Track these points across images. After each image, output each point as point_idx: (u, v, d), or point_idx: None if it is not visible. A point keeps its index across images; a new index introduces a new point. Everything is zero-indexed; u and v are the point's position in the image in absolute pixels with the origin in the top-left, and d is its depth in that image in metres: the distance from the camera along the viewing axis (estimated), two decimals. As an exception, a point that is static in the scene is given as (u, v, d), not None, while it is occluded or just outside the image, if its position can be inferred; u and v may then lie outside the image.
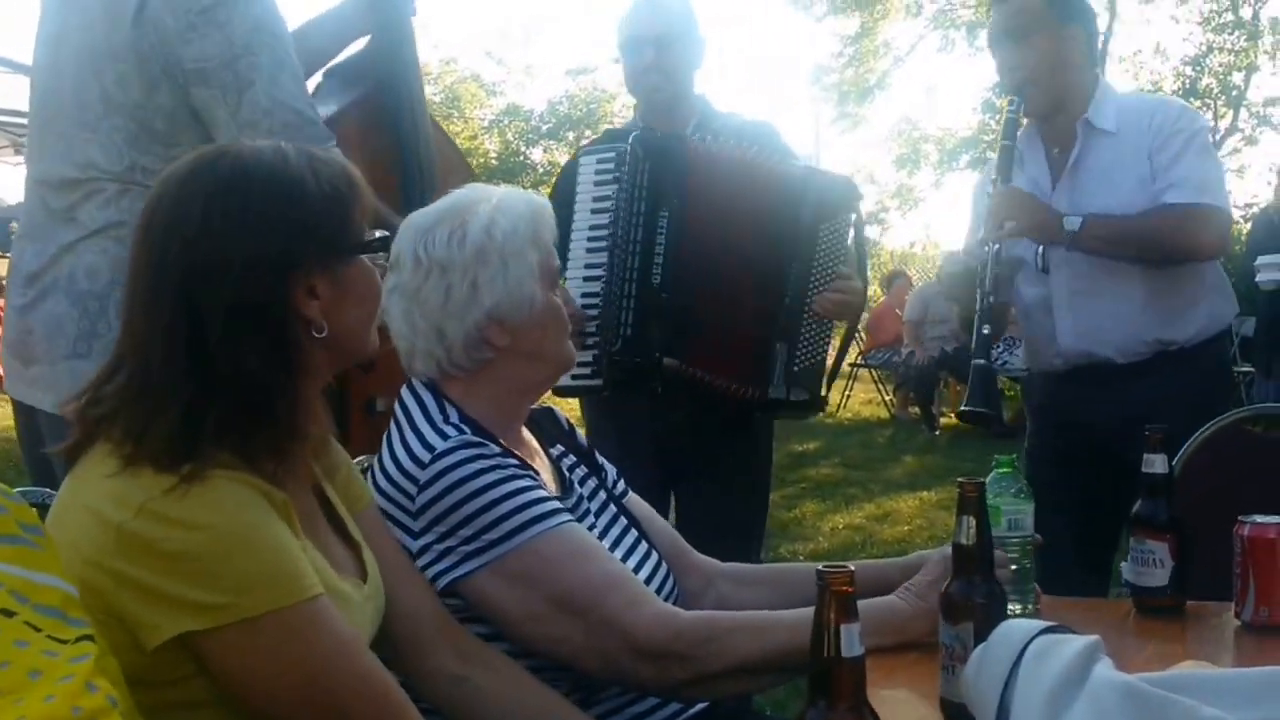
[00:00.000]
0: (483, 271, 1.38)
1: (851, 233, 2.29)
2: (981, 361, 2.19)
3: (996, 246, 2.21)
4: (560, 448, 1.59)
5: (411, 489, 1.34)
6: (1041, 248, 2.26)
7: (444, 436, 1.36)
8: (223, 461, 1.05)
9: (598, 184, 2.28)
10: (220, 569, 1.01)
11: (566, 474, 1.53)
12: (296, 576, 1.05)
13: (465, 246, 1.38)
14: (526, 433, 1.53)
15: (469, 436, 1.36)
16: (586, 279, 2.26)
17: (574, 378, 2.27)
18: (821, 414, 2.69)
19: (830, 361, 2.36)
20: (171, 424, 1.05)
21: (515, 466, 1.36)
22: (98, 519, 1.03)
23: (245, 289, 1.08)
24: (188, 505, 1.02)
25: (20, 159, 10.53)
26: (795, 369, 2.24)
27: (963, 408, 2.23)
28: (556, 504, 1.38)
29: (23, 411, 1.84)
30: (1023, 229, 2.22)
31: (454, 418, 1.40)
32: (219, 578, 1.01)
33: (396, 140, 2.07)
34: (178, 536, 1.01)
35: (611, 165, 2.26)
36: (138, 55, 1.71)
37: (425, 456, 1.34)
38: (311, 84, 2.18)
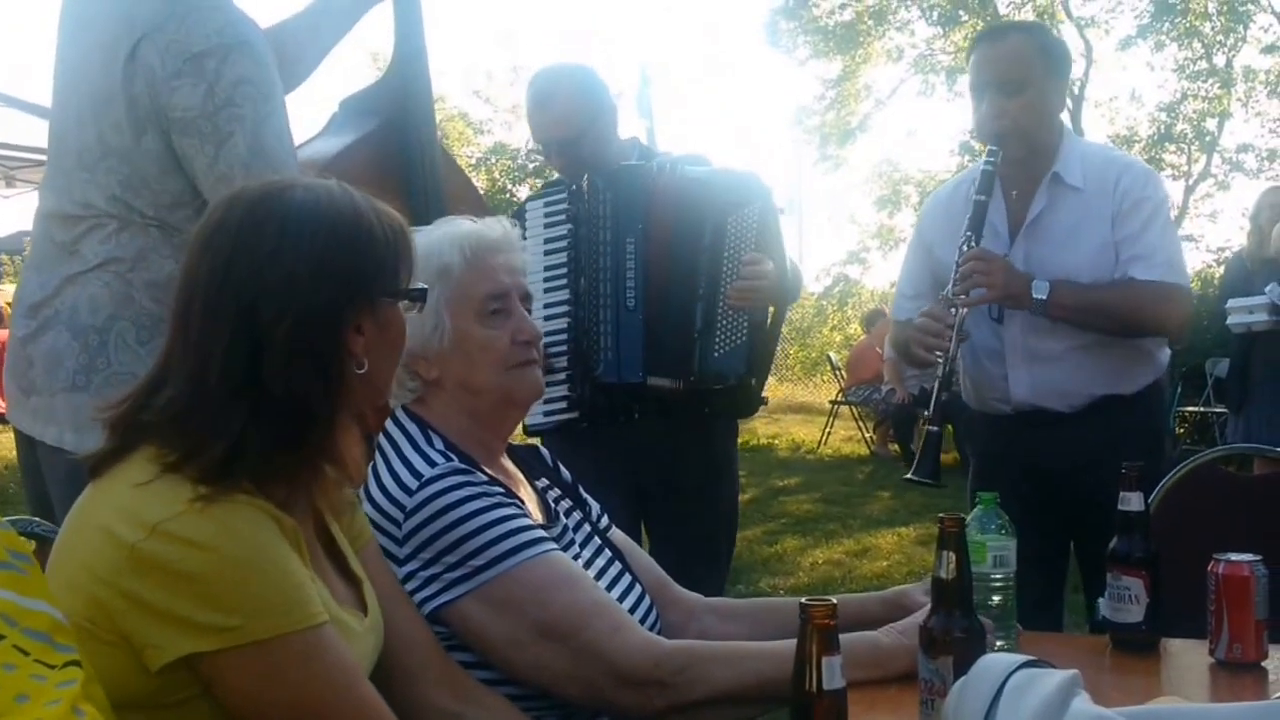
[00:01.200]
0: None
1: (766, 221, 2.35)
2: (936, 429, 2.20)
3: (964, 312, 2.18)
4: (545, 481, 1.60)
5: (399, 515, 1.35)
6: None
7: (431, 464, 1.37)
8: (240, 486, 1.06)
9: (548, 225, 2.37)
10: (231, 591, 1.02)
11: (552, 505, 1.55)
12: (305, 602, 1.06)
13: None
14: (510, 465, 1.54)
15: (457, 464, 1.38)
16: (549, 317, 2.32)
17: (547, 414, 2.32)
18: (802, 450, 2.72)
19: (769, 349, 2.43)
20: (228, 443, 1.06)
21: (501, 494, 1.38)
22: (111, 538, 1.03)
23: (308, 317, 1.10)
24: (202, 526, 1.03)
25: (12, 191, 10.52)
26: (715, 354, 2.31)
27: (909, 477, 2.24)
28: (541, 532, 1.39)
29: (24, 440, 1.83)
30: (993, 297, 2.20)
31: (439, 445, 1.41)
32: (229, 600, 1.02)
33: (406, 174, 2.08)
34: (191, 557, 1.02)
35: (563, 204, 2.35)
36: (128, 99, 1.71)
37: (413, 483, 1.35)
38: (323, 112, 2.19)
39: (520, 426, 2.39)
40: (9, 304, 11.00)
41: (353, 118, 2.16)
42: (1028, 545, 2.19)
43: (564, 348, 2.31)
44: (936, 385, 2.18)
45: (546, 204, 2.37)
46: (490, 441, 1.50)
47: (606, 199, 2.32)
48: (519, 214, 2.43)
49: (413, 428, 1.43)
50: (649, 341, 2.29)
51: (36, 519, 1.29)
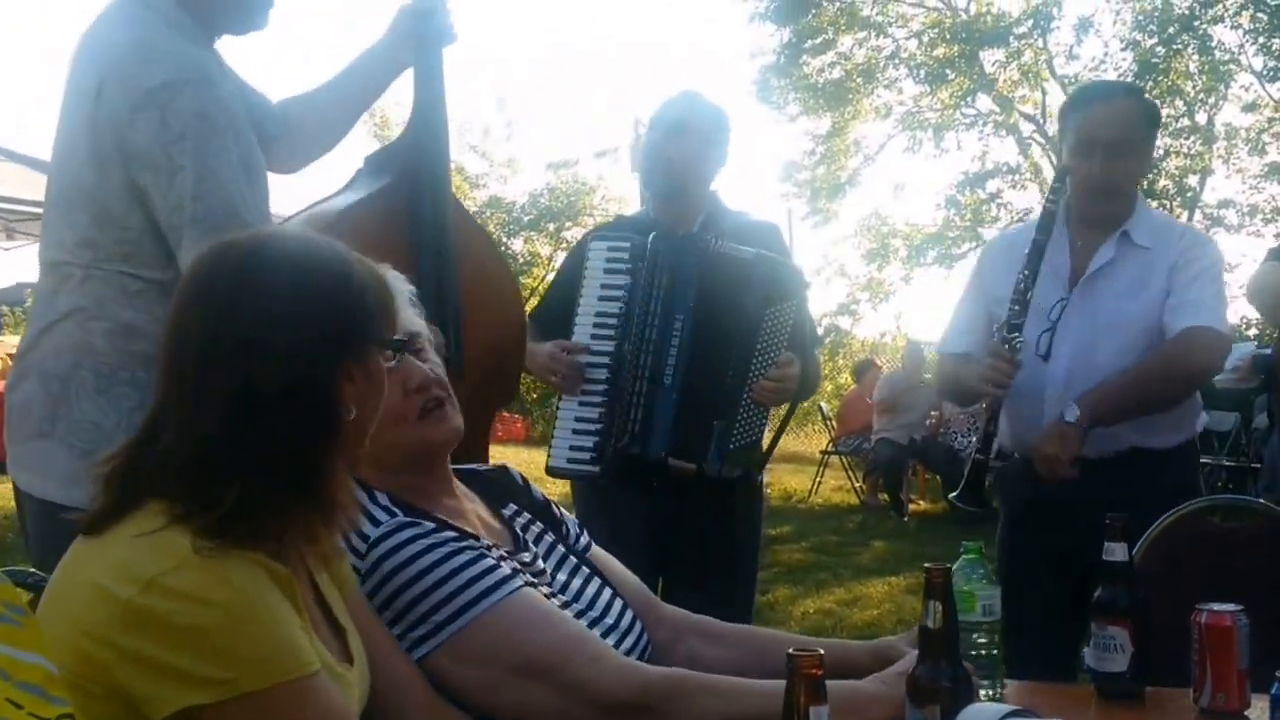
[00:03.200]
0: None
1: (801, 318, 2.37)
2: (982, 458, 2.25)
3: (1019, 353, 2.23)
4: (514, 506, 1.58)
5: (352, 581, 1.32)
6: (1049, 333, 2.30)
7: (376, 523, 1.35)
8: (237, 539, 1.07)
9: (608, 271, 2.34)
10: (227, 643, 1.03)
11: (520, 533, 1.52)
12: (298, 651, 1.07)
13: None
14: (464, 495, 1.51)
15: (402, 518, 1.35)
16: (591, 365, 2.32)
17: (571, 461, 2.32)
18: (793, 499, 2.77)
19: (770, 436, 2.45)
20: (234, 492, 1.06)
21: (454, 539, 1.35)
22: (103, 594, 1.04)
23: (304, 370, 1.11)
24: (197, 580, 1.03)
25: (12, 244, 10.57)
26: (731, 448, 2.29)
27: (953, 497, 2.29)
28: (504, 571, 1.36)
29: (16, 489, 1.84)
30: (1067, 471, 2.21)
31: (384, 500, 1.38)
32: (226, 652, 1.03)
33: (414, 231, 2.07)
34: (187, 610, 1.02)
35: (625, 256, 2.32)
36: (94, 138, 1.74)
37: (362, 546, 1.33)
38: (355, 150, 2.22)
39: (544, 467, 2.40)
40: (9, 355, 10.99)
41: (370, 174, 2.16)
42: (1047, 596, 2.20)
43: (600, 399, 2.30)
44: (986, 418, 2.26)
45: (610, 248, 2.36)
46: (433, 478, 1.47)
47: (665, 267, 2.29)
48: (580, 250, 2.44)
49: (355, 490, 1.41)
50: (676, 421, 2.28)
51: (31, 570, 1.29)
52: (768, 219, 2.58)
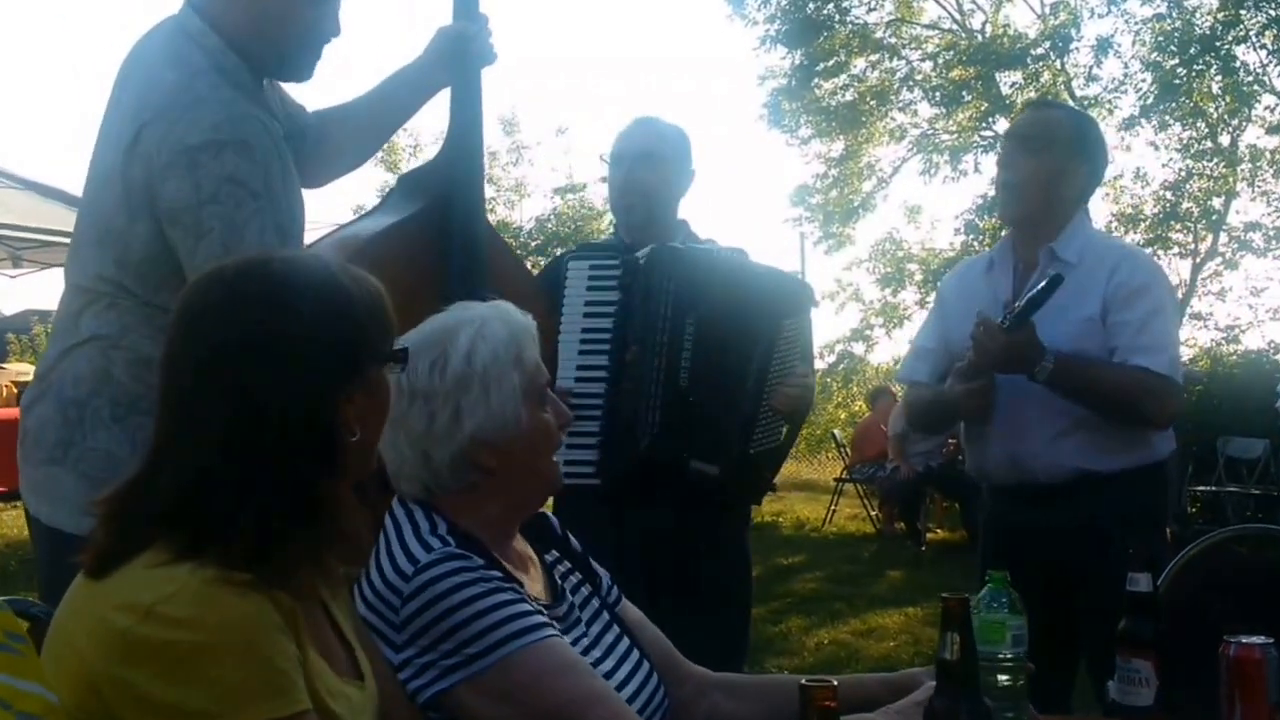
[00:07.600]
0: (465, 398, 1.40)
1: (810, 333, 2.42)
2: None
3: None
4: (555, 554, 1.59)
5: (395, 601, 1.34)
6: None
7: (428, 549, 1.36)
8: (243, 567, 1.06)
9: (592, 289, 2.36)
10: (219, 674, 1.02)
11: (559, 582, 1.54)
12: (288, 689, 1.05)
13: (447, 375, 1.40)
14: (520, 541, 1.53)
15: (453, 549, 1.36)
16: (580, 380, 2.32)
17: (568, 476, 2.30)
18: (807, 528, 2.78)
19: (786, 454, 2.48)
20: (238, 526, 1.05)
21: (499, 579, 1.36)
22: (105, 627, 1.03)
23: (305, 393, 1.10)
24: (194, 607, 1.02)
25: (19, 271, 10.71)
26: (751, 452, 2.32)
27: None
28: (539, 618, 1.37)
29: (27, 513, 1.84)
30: (984, 364, 2.24)
31: (442, 530, 1.39)
32: (216, 683, 1.01)
33: (448, 251, 2.06)
34: (182, 639, 1.01)
35: (615, 271, 2.34)
36: (126, 182, 1.75)
37: (409, 569, 1.34)
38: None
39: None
40: (13, 383, 11.07)
41: (402, 196, 2.15)
42: (1037, 624, 2.16)
43: (598, 412, 2.30)
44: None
45: (593, 267, 2.38)
46: (513, 525, 1.50)
47: (673, 275, 2.30)
48: (556, 270, 2.45)
49: (418, 511, 1.43)
50: (695, 423, 2.28)
51: (32, 600, 1.30)
52: (735, 246, 2.57)
